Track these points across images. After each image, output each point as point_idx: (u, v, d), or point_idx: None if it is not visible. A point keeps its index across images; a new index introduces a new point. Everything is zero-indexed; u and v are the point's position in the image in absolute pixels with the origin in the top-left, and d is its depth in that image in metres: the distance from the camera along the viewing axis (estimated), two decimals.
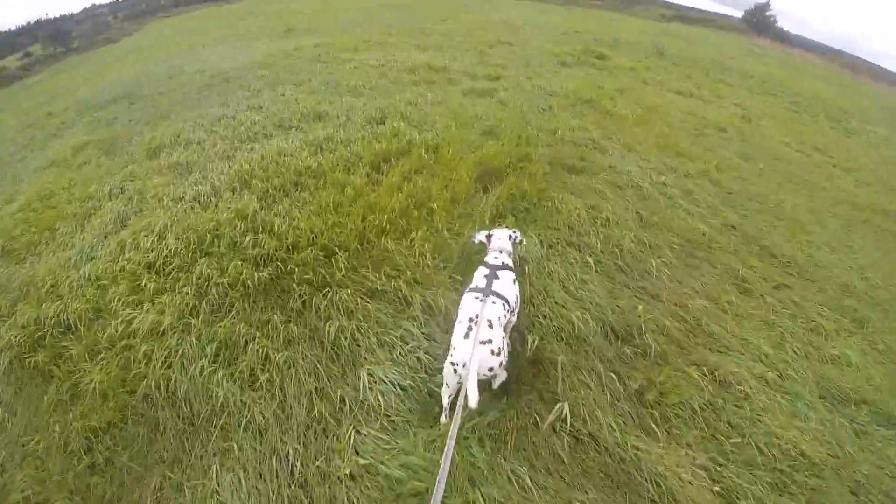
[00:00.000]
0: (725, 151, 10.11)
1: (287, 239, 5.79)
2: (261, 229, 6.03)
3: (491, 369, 3.32)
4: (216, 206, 6.74)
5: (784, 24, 60.62)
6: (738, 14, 63.54)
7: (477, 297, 3.53)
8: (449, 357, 3.27)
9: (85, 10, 74.68)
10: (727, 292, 5.60)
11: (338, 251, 5.51)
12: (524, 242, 4.66)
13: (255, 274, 5.27)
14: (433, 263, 5.39)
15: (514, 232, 4.38)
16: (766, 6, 59.50)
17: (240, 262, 5.43)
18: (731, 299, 5.45)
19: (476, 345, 3.13)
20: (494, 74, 13.77)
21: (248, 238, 5.81)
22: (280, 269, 5.37)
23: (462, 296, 3.75)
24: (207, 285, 5.25)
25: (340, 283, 5.16)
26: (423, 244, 5.61)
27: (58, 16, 64.82)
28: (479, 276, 3.81)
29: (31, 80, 33.70)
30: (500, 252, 4.08)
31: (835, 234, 7.92)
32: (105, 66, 27.17)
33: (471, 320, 3.34)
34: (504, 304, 3.58)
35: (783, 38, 54.23)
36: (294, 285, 5.18)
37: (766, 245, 6.87)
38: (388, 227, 5.91)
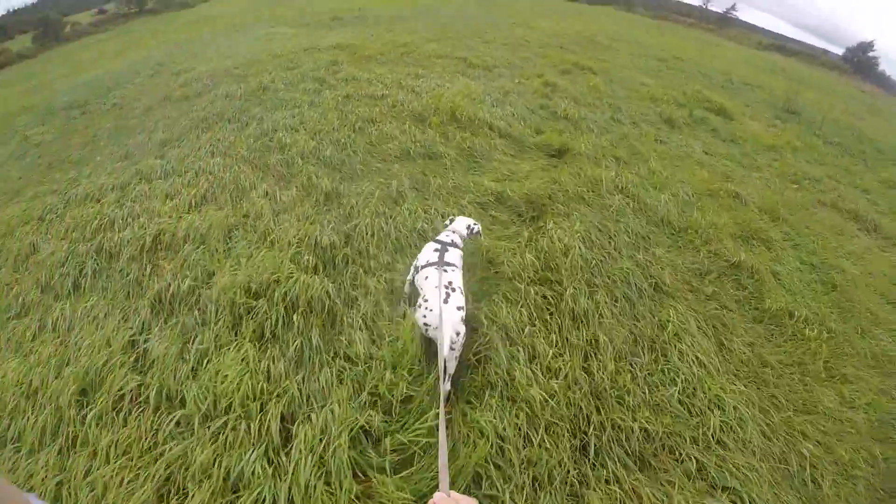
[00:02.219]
0: None
1: None
2: None
3: (458, 334, 2.96)
4: None
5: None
6: (832, 49, 53.89)
7: (437, 269, 3.28)
8: (422, 317, 3.04)
9: None
10: None
11: None
12: (480, 235, 4.02)
13: None
14: None
15: (475, 223, 3.95)
16: (870, 46, 49.59)
17: None
18: None
19: (453, 310, 2.99)
20: (556, 143, 7.20)
21: None
22: None
23: (418, 271, 3.43)
24: None
25: None
26: None
27: None
28: (430, 251, 3.51)
29: (94, 39, 31.11)
30: (454, 233, 3.77)
31: None
32: (135, 41, 23.68)
33: (446, 286, 3.12)
34: (460, 272, 3.41)
35: (885, 83, 44.63)
36: None
37: None
38: None
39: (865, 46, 50.49)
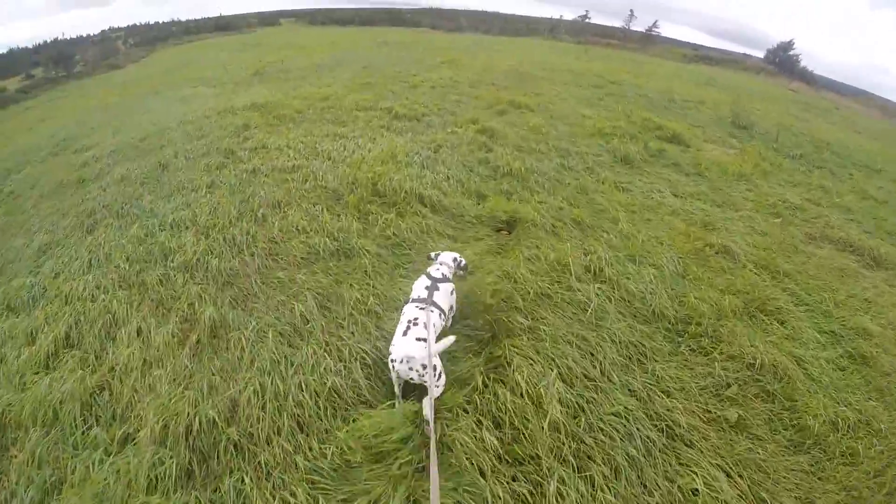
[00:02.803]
0: None
1: None
2: None
3: (424, 367, 2.86)
4: None
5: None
6: (752, 52, 55.59)
7: (418, 307, 3.23)
8: (389, 356, 3.01)
9: (103, 31, 68.54)
10: None
11: None
12: (467, 268, 4.01)
13: None
14: None
15: (460, 257, 3.91)
16: (790, 45, 51.21)
17: None
18: None
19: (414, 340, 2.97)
20: (504, 212, 5.91)
21: None
22: None
23: (405, 305, 3.36)
24: None
25: None
26: None
27: (74, 36, 58.70)
28: (420, 287, 3.46)
29: (20, 107, 27.54)
30: (441, 265, 3.73)
31: None
32: (56, 109, 21.40)
33: (409, 322, 3.10)
34: (441, 314, 3.36)
35: (809, 79, 45.83)
36: None
37: None
38: None
39: (786, 45, 52.15)
